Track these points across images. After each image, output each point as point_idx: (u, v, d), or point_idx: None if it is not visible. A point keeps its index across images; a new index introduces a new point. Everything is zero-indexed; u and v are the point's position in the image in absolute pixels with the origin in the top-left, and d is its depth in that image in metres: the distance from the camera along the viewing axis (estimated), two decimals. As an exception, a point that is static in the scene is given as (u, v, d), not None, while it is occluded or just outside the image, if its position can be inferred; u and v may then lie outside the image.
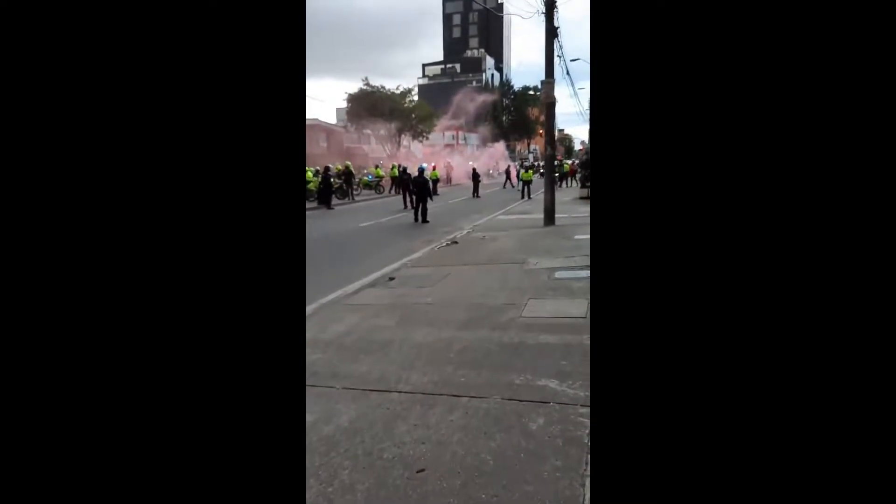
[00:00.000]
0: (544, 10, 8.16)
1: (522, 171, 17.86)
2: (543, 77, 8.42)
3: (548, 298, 3.95)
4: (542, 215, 9.03)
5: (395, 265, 6.06)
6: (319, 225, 10.23)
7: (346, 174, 16.92)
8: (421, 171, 11.88)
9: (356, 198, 17.76)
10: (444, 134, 39.88)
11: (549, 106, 8.47)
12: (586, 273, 4.68)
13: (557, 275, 4.74)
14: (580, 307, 3.59)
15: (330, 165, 15.73)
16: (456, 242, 7.68)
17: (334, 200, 16.10)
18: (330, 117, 34.84)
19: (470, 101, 38.61)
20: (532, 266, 5.28)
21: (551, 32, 8.38)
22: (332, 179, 17.20)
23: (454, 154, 35.35)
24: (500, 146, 37.64)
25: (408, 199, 12.57)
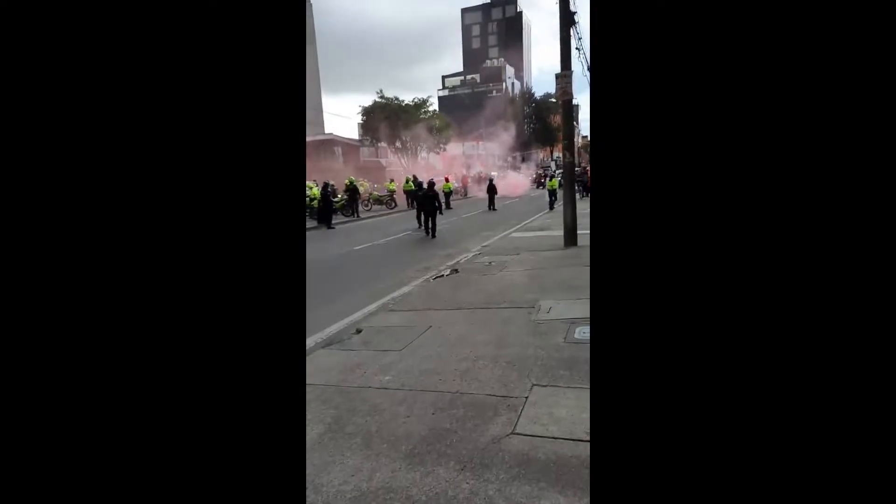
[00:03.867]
0: (558, -10, 6.82)
1: (547, 179, 16.61)
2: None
3: (561, 387, 2.54)
4: (562, 232, 7.59)
5: (373, 307, 4.78)
6: (309, 248, 9.01)
7: (351, 190, 15.85)
8: (431, 184, 11.08)
9: (364, 214, 16.68)
10: (463, 144, 38.79)
11: (567, 104, 7.07)
12: (621, 331, 3.24)
13: (578, 333, 3.31)
14: (614, 412, 2.17)
15: (328, 181, 14.68)
16: (456, 271, 6.34)
17: (339, 218, 15.09)
18: (353, 133, 34.39)
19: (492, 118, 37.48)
20: (544, 315, 3.87)
21: (567, 18, 7.03)
22: (339, 196, 16.24)
23: (475, 164, 34.18)
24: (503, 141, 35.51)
25: (421, 215, 11.51)
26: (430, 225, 10.23)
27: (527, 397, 2.44)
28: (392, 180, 21.65)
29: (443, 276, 6.10)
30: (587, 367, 2.72)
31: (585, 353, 2.94)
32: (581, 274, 5.34)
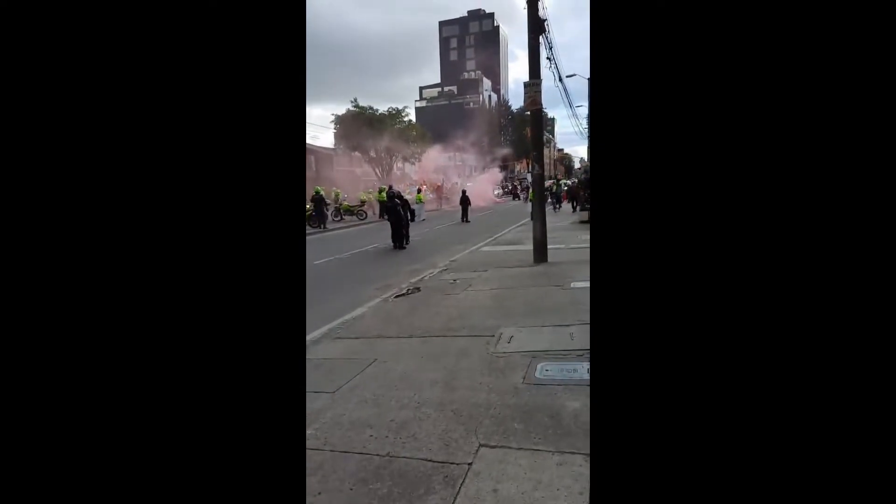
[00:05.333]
0: (525, -4, 6.54)
1: (530, 191, 16.59)
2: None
3: (512, 448, 2.08)
4: (532, 247, 7.23)
5: (318, 333, 4.27)
6: (265, 263, 8.46)
7: (317, 200, 15.22)
8: (393, 195, 10.66)
9: (334, 225, 16.06)
10: (439, 155, 38.58)
11: (536, 114, 6.75)
12: (586, 368, 2.82)
13: (540, 372, 2.88)
14: (577, 489, 1.72)
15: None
16: (418, 289, 5.88)
17: (306, 229, 14.43)
18: (331, 143, 33.57)
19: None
20: (504, 346, 3.43)
21: (536, 25, 6.75)
22: (306, 206, 15.58)
23: (451, 175, 33.94)
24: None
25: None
26: (396, 236, 10.03)
27: (470, 464, 1.97)
28: (381, 189, 20.89)
29: (404, 293, 5.63)
30: (545, 419, 2.28)
31: (544, 399, 2.50)
32: (548, 295, 4.95)
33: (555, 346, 3.30)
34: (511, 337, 3.60)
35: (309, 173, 26.58)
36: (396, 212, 10.00)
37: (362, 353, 3.58)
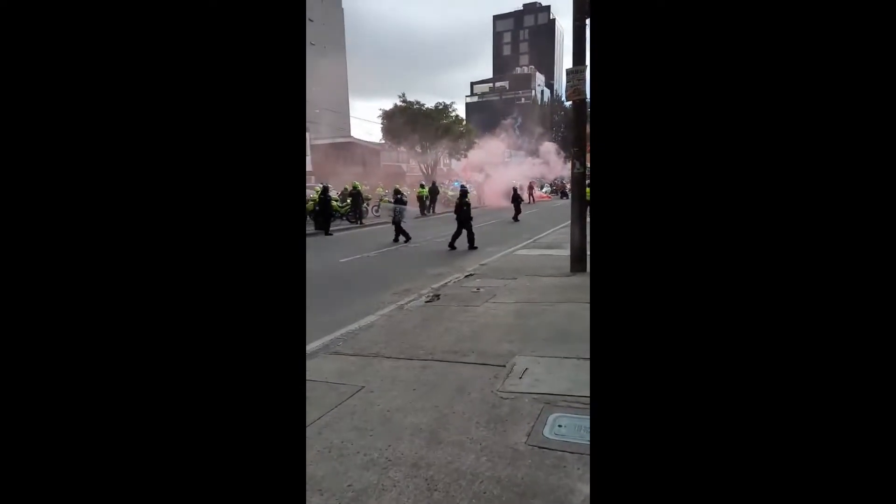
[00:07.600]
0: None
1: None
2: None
3: (490, 559, 1.51)
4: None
5: (317, 344, 3.90)
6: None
7: (354, 195, 15.05)
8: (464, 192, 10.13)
9: (371, 221, 15.88)
10: (487, 151, 37.80)
11: (579, 105, 5.98)
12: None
13: (551, 429, 2.24)
14: None
15: (327, 185, 13.89)
16: (437, 297, 5.37)
17: (343, 224, 14.35)
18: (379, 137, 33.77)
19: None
20: (513, 382, 2.82)
21: (582, 4, 5.97)
22: (346, 201, 15.51)
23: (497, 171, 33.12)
24: None
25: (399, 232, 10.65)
26: (462, 237, 9.41)
27: (425, 579, 1.42)
28: (422, 185, 20.32)
29: (424, 302, 5.13)
30: (544, 512, 1.66)
31: (548, 476, 1.87)
32: (580, 315, 4.25)
33: (576, 388, 2.65)
34: (525, 370, 2.98)
35: (356, 168, 26.84)
36: (464, 212, 9.44)
37: (352, 377, 3.11)
